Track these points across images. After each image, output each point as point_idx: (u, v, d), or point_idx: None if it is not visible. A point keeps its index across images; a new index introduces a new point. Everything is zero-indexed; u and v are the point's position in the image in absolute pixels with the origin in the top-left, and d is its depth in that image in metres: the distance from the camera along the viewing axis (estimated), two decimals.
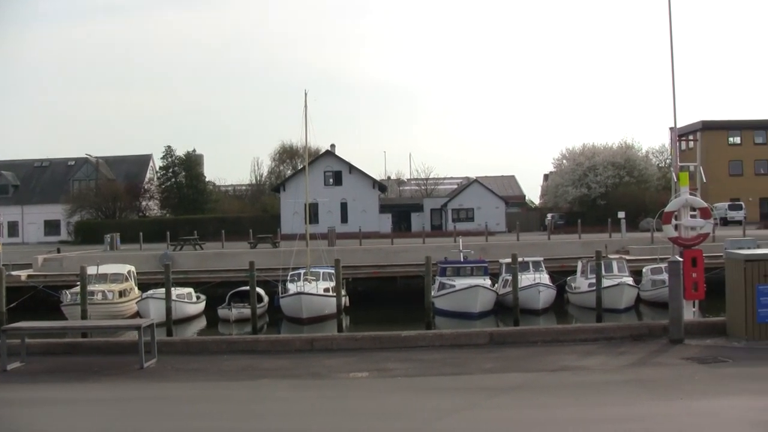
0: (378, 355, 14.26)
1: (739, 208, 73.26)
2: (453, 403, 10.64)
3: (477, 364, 13.29)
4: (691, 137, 78.09)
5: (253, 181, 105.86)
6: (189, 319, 34.95)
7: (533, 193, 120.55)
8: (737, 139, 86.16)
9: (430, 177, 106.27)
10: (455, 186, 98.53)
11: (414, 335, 15.29)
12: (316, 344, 15.19)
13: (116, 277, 36.15)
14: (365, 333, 16.26)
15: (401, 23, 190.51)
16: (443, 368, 13.12)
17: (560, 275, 38.38)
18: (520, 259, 33.84)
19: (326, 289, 34.76)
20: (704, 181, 19.96)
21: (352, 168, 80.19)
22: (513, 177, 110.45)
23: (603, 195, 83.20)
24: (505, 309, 34.21)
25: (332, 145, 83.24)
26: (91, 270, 33.65)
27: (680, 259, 15.57)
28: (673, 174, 19.23)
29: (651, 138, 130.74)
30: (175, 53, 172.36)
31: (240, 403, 11.12)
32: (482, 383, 11.88)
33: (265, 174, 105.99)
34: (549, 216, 79.46)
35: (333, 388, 11.95)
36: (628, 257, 41.47)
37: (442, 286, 35.50)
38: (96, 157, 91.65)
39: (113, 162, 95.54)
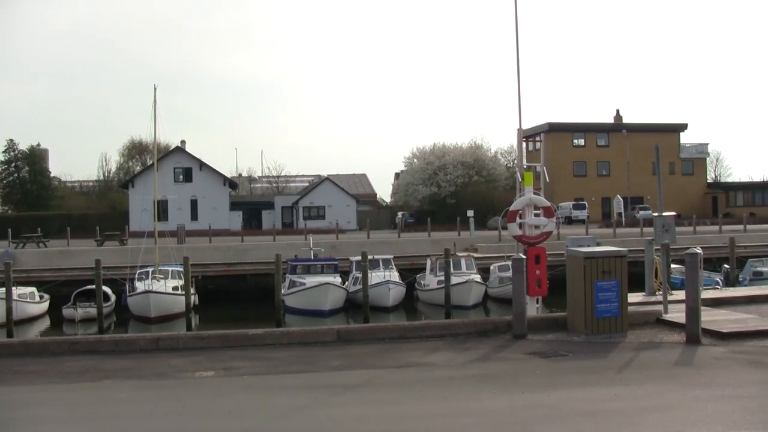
0: (224, 354, 14.07)
1: (583, 207, 75.79)
2: (299, 401, 10.58)
3: (324, 362, 13.27)
4: (537, 138, 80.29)
5: (101, 177, 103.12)
6: (31, 320, 33.92)
7: (384, 192, 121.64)
8: (581, 141, 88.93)
9: (282, 175, 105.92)
10: (307, 184, 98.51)
11: (261, 333, 15.15)
12: (162, 343, 14.87)
13: None
14: (212, 332, 16.04)
15: (255, 18, 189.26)
16: (290, 366, 13.05)
17: (410, 273, 38.95)
18: (370, 257, 34.17)
19: (175, 288, 34.38)
20: (548, 181, 20.51)
21: (202, 165, 79.47)
22: (364, 175, 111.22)
23: (453, 194, 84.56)
24: (356, 306, 34.48)
25: (182, 142, 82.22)
26: None
27: (524, 257, 15.94)
28: (518, 174, 19.70)
29: (500, 138, 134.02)
30: (17, 42, 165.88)
31: (80, 405, 10.76)
32: (329, 381, 11.85)
33: (113, 170, 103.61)
34: (399, 214, 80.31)
35: (177, 388, 11.70)
36: (476, 255, 42.27)
37: (293, 284, 35.50)
38: None
39: None
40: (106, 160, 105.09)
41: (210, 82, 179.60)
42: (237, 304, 36.99)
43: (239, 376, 12.35)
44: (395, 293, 35.28)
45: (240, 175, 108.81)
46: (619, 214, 71.64)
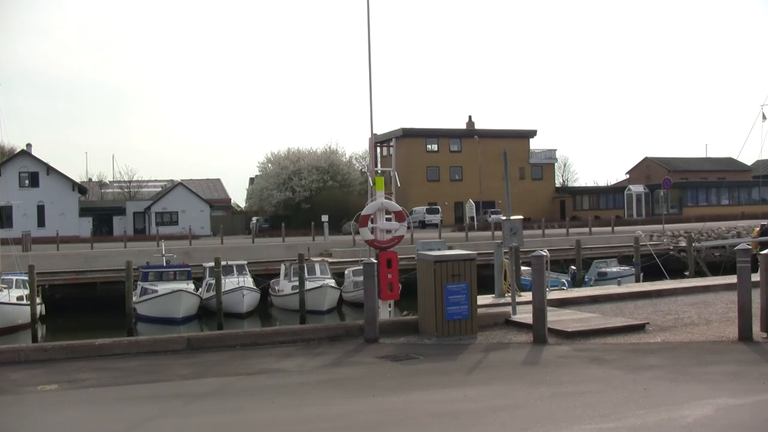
0: (70, 366, 13.60)
1: (436, 212, 77.01)
2: (146, 412, 10.32)
3: (174, 371, 13.01)
4: (391, 143, 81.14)
5: None
6: None
7: (239, 197, 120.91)
8: (435, 147, 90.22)
9: (134, 179, 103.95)
10: (159, 189, 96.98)
11: (109, 343, 14.73)
12: (2, 357, 14.22)
13: None
14: (56, 343, 15.48)
15: (94, 18, 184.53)
16: (138, 376, 12.73)
17: (264, 278, 38.81)
18: (223, 263, 33.93)
19: (20, 298, 33.17)
20: (399, 185, 20.70)
21: (50, 169, 77.41)
22: (219, 180, 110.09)
23: (307, 199, 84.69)
24: (210, 313, 34.17)
25: (28, 145, 79.97)
26: None
27: (375, 261, 16.02)
28: (370, 178, 19.84)
29: (355, 143, 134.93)
30: None
31: None
32: (178, 390, 11.62)
33: None
34: (254, 219, 79.96)
35: (17, 404, 11.18)
36: (330, 260, 42.37)
37: (145, 291, 34.86)
38: None
39: None
40: None
41: (53, 84, 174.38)
42: (86, 313, 35.95)
43: (85, 389, 11.96)
44: (249, 299, 35.02)
45: (90, 179, 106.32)
46: (471, 218, 73.12)
